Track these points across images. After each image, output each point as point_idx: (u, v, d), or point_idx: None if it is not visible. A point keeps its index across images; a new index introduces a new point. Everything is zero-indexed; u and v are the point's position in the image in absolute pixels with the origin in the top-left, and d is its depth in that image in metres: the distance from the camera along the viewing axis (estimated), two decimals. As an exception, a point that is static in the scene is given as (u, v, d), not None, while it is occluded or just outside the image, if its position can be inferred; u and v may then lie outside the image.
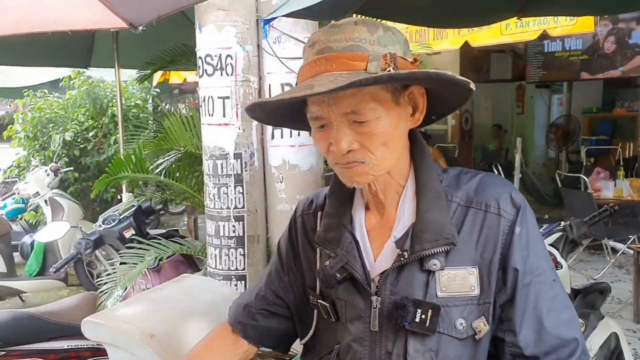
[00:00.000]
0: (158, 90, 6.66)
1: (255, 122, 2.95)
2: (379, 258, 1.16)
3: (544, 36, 5.25)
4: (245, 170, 2.94)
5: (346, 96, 1.05)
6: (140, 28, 1.98)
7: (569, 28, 4.36)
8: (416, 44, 5.18)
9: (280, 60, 2.85)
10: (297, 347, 1.48)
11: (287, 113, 1.19)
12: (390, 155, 1.11)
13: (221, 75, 2.87)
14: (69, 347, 2.88)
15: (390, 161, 1.12)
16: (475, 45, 5.13)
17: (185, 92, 10.83)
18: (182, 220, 7.61)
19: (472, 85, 1.04)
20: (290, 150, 2.94)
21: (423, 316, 1.08)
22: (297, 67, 2.95)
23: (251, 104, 1.15)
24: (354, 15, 3.56)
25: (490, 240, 1.11)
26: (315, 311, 1.27)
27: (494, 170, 7.83)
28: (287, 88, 2.90)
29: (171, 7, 1.92)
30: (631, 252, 5.01)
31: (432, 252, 1.09)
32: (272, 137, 2.96)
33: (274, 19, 2.33)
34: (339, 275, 1.15)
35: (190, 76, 8.10)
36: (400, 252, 1.11)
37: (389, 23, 4.13)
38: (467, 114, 10.24)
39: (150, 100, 6.98)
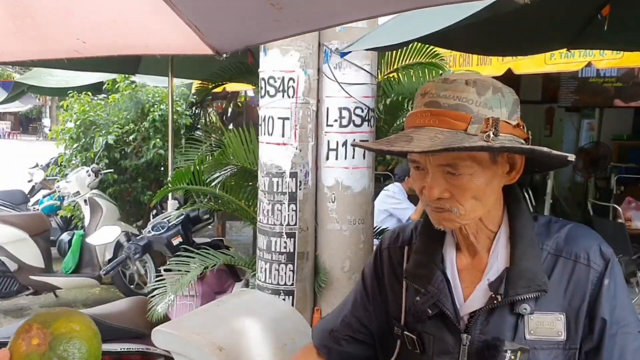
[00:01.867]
0: (196, 97, 6.79)
1: (311, 143, 3.06)
2: (469, 298, 1.22)
3: (588, 68, 5.31)
4: (300, 189, 3.04)
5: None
6: (225, 55, 2.09)
7: (616, 62, 4.43)
8: (460, 68, 5.26)
9: (340, 85, 2.96)
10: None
11: None
12: (480, 208, 1.18)
13: (282, 97, 2.98)
14: (122, 349, 2.99)
15: (479, 213, 1.19)
16: (518, 72, 5.20)
17: (216, 98, 11.00)
18: (209, 225, 7.74)
19: (571, 158, 1.11)
20: (344, 172, 3.04)
21: (512, 357, 1.14)
22: (355, 92, 3.05)
23: (356, 145, 1.28)
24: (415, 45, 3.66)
25: (578, 289, 1.17)
26: (399, 341, 1.33)
27: (525, 194, 7.83)
28: (344, 112, 3.01)
29: (257, 40, 2.03)
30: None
31: (524, 297, 1.15)
32: (327, 158, 3.06)
33: (350, 52, 2.43)
34: (430, 311, 1.22)
35: (228, 85, 8.25)
36: (493, 295, 1.18)
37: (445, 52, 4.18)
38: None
39: (186, 107, 7.12)
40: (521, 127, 1.17)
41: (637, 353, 1.17)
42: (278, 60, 2.95)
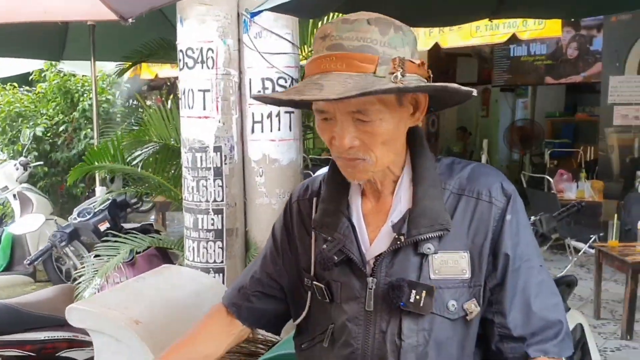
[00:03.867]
0: (129, 85, 6.60)
1: (235, 116, 2.99)
2: (374, 242, 1.21)
3: (513, 39, 5.43)
4: (225, 164, 2.97)
5: None
6: (130, 20, 2.00)
7: (538, 32, 4.54)
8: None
9: (261, 55, 2.90)
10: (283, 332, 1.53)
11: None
12: (390, 153, 1.17)
13: (202, 68, 2.89)
14: (46, 338, 2.86)
15: (390, 158, 1.18)
16: (445, 46, 5.26)
17: (154, 88, 10.74)
18: (150, 217, 7.56)
19: (475, 93, 1.12)
20: (270, 145, 2.98)
21: (417, 297, 1.14)
22: (278, 62, 2.99)
23: (260, 97, 1.27)
24: (332, 15, 3.62)
25: (481, 226, 1.18)
26: (309, 292, 1.31)
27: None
28: (267, 83, 2.95)
29: (162, 1, 1.95)
30: (592, 251, 5.19)
31: (427, 236, 1.15)
32: (252, 131, 3.00)
33: (260, 12, 2.37)
34: (336, 257, 1.20)
35: (162, 72, 8.05)
36: (396, 236, 1.17)
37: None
38: (433, 116, 10.43)
39: (118, 96, 6.91)
40: (424, 67, 1.16)
41: (540, 286, 1.18)
42: (195, 30, 2.86)
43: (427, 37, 5.05)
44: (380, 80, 1.06)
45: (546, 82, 9.01)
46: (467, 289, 1.17)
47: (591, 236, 5.51)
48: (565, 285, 2.87)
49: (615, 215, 5.09)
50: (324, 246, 1.22)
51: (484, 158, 6.14)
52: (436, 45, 4.96)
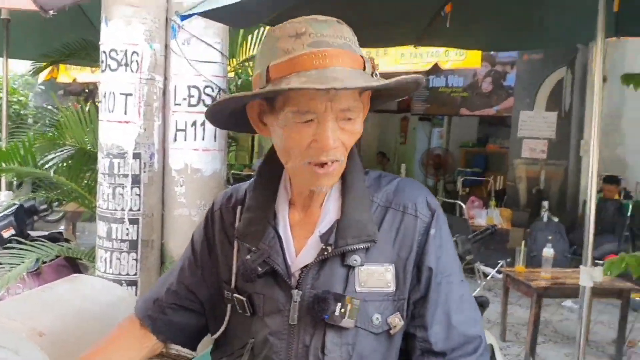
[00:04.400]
0: (43, 87, 6.25)
1: (158, 122, 2.89)
2: (301, 253, 1.18)
3: (436, 68, 5.64)
4: (144, 172, 2.85)
5: (346, 92, 1.06)
6: (52, 13, 1.89)
7: (459, 62, 4.75)
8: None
9: (189, 62, 2.82)
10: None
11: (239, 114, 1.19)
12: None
13: (125, 71, 2.78)
14: None
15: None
16: (372, 71, 5.40)
17: (71, 93, 10.23)
18: (60, 227, 7.15)
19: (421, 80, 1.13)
20: (193, 154, 2.89)
21: (342, 310, 1.11)
22: (205, 70, 2.93)
23: (273, 91, 1.05)
24: (262, 28, 3.61)
25: (407, 239, 1.17)
26: (229, 306, 1.25)
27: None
28: (193, 91, 2.87)
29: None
30: (499, 276, 5.42)
31: (354, 248, 1.13)
32: (175, 139, 2.90)
33: (191, 15, 2.32)
34: (260, 269, 1.16)
35: (80, 75, 7.65)
36: (324, 247, 1.14)
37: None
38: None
39: (31, 98, 6.54)
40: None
41: (461, 301, 1.19)
42: (120, 32, 2.75)
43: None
44: (370, 77, 1.06)
45: (461, 113, 9.43)
46: (392, 303, 1.16)
47: (499, 261, 5.75)
48: (479, 305, 2.96)
49: (523, 242, 5.36)
50: (248, 257, 1.17)
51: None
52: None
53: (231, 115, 1.21)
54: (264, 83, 1.07)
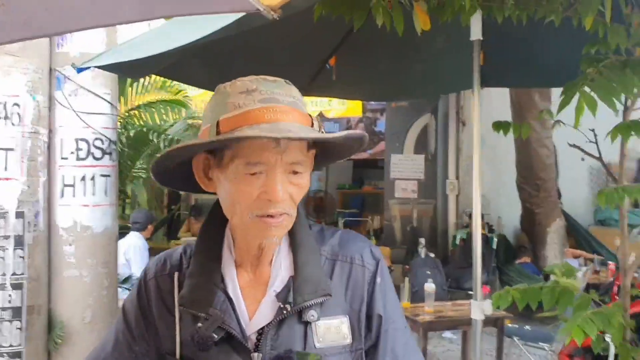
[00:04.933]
0: None
1: (43, 178, 2.71)
2: (256, 314, 1.15)
3: (320, 117, 5.84)
4: (29, 232, 2.64)
5: (295, 146, 1.07)
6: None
7: (342, 111, 4.97)
8: (200, 108, 5.29)
9: (77, 114, 2.71)
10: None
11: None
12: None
13: (5, 124, 2.59)
14: None
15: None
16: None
17: None
18: None
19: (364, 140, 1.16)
20: (83, 210, 2.74)
21: None
22: (95, 122, 2.81)
23: (230, 138, 1.05)
24: (151, 77, 3.55)
25: (357, 290, 1.19)
26: None
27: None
28: (82, 143, 2.74)
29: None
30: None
31: (311, 303, 1.12)
32: (62, 196, 2.74)
33: (87, 67, 2.23)
34: (215, 335, 1.11)
35: None
36: (282, 306, 1.12)
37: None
38: (236, 186, 10.61)
39: None
40: None
41: (406, 347, 1.23)
42: None
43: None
44: (318, 133, 1.08)
45: (338, 157, 9.76)
46: (350, 354, 1.17)
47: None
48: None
49: (406, 279, 5.59)
50: (199, 325, 1.12)
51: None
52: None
53: (175, 171, 1.17)
54: (214, 136, 1.06)
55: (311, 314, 1.13)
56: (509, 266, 7.66)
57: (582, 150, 2.43)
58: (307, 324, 1.14)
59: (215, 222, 1.19)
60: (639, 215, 7.27)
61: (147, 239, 5.02)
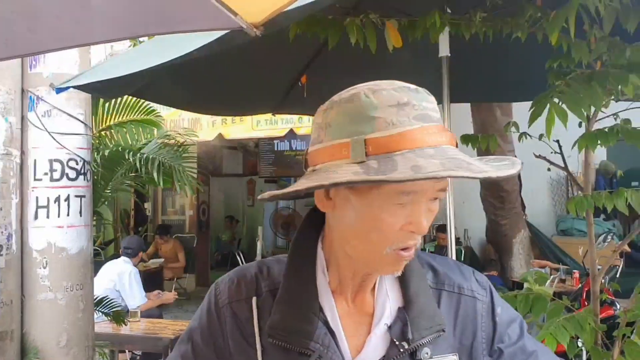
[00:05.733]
0: None
1: (15, 200, 2.67)
2: (364, 349, 1.01)
3: (291, 134, 5.87)
4: (1, 255, 2.59)
5: None
6: None
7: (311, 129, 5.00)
8: (172, 128, 5.24)
9: (51, 135, 2.68)
10: None
11: None
12: None
13: (-24, 147, 2.56)
14: None
15: None
16: (228, 138, 5.47)
17: None
18: None
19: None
20: (57, 232, 2.71)
21: None
22: (69, 143, 2.80)
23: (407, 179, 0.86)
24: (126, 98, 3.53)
25: (468, 324, 1.06)
26: None
27: (238, 257, 8.11)
28: (56, 164, 2.72)
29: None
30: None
31: (427, 340, 1.00)
32: (36, 217, 2.70)
33: (67, 88, 2.23)
34: None
35: None
36: (397, 343, 0.99)
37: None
38: (204, 205, 10.51)
39: None
40: None
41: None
42: (-29, 105, 2.55)
43: (210, 128, 5.20)
44: (510, 167, 0.96)
45: (305, 174, 9.79)
46: None
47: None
48: None
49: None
50: None
51: (259, 244, 6.33)
52: (220, 136, 5.13)
53: None
54: (361, 157, 0.89)
55: (425, 352, 0.99)
56: (476, 278, 7.81)
57: (549, 161, 2.52)
58: None
59: (307, 242, 1.04)
60: (601, 225, 7.51)
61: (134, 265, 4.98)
